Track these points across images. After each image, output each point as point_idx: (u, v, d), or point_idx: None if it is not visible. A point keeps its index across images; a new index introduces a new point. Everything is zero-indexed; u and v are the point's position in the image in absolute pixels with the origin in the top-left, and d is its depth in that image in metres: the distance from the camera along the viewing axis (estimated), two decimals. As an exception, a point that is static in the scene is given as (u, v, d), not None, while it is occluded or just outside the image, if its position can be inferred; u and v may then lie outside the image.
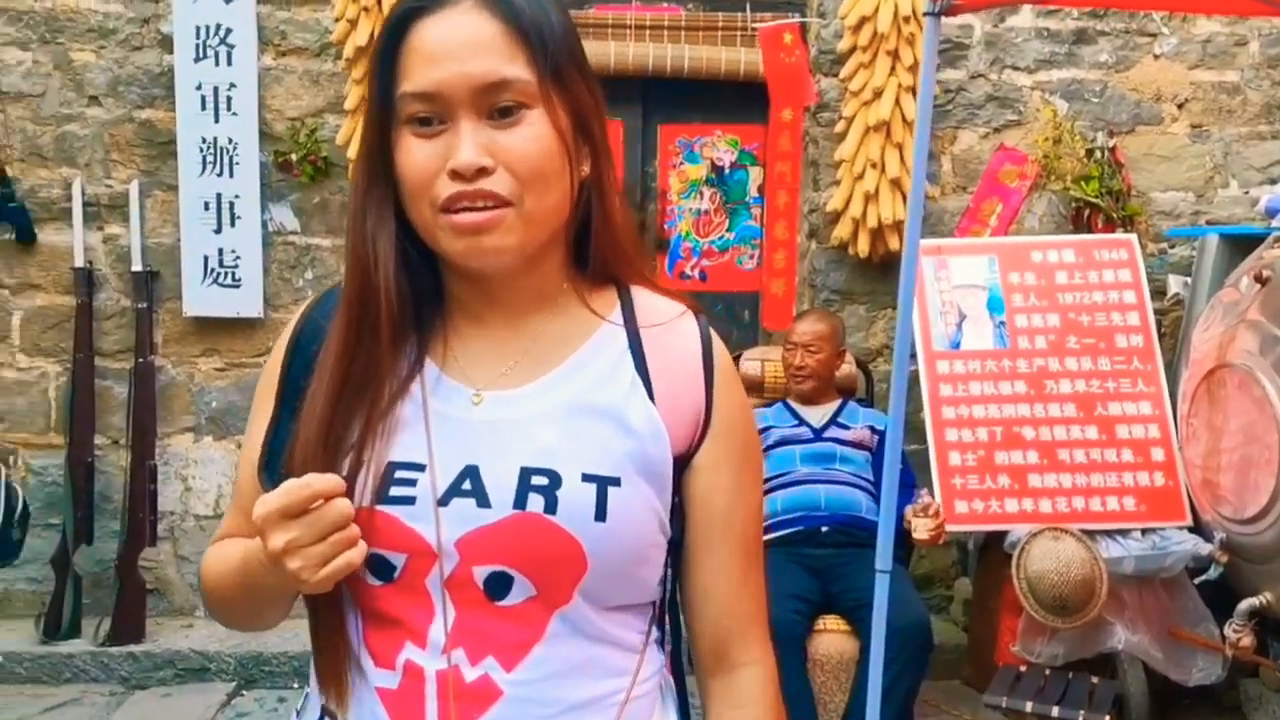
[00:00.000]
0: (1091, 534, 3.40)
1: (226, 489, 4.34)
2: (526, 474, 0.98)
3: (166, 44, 4.18)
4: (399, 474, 0.99)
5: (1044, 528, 3.39)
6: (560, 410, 1.01)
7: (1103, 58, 4.40)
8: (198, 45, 4.13)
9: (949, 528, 3.47)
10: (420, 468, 0.99)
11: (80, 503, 4.07)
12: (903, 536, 3.15)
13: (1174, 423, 3.57)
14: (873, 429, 3.58)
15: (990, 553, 3.72)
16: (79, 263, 4.19)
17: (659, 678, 1.07)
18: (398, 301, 1.00)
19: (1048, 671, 3.34)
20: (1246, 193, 4.44)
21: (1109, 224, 4.18)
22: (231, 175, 4.18)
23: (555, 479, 0.97)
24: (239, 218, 4.20)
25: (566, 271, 1.05)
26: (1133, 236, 3.92)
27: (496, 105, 0.95)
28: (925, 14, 2.55)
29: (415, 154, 0.96)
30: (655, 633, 1.07)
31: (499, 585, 0.98)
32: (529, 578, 0.97)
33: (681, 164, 4.59)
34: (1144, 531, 3.47)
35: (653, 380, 1.03)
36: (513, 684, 0.97)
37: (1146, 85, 4.42)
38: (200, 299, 4.23)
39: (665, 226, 4.59)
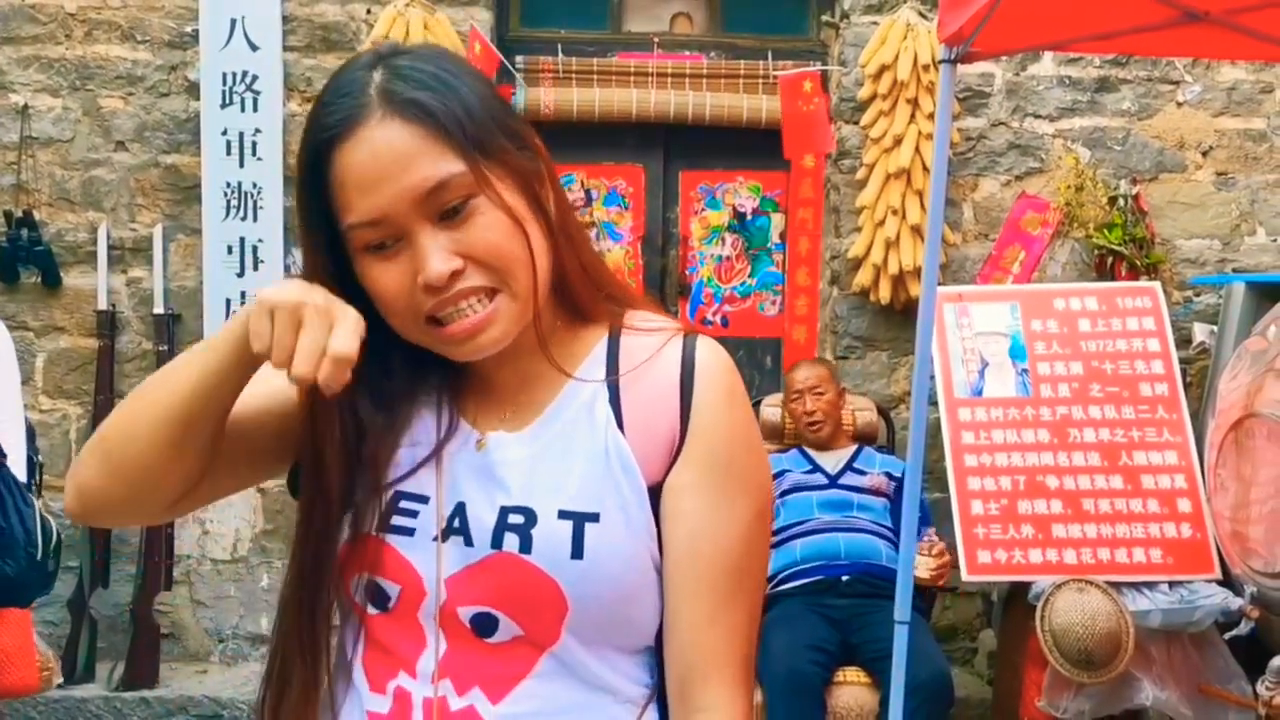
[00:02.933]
0: (1117, 586, 3.33)
1: (245, 532, 4.33)
2: (505, 513, 0.98)
3: (193, 91, 4.24)
4: (403, 504, 1.00)
5: (1068, 579, 3.32)
6: (544, 451, 1.00)
7: (1125, 105, 4.39)
8: (224, 92, 4.19)
9: (972, 578, 3.42)
10: (424, 499, 1.00)
11: (98, 546, 4.08)
12: (924, 587, 3.10)
13: (1201, 473, 3.51)
14: (889, 475, 3.55)
15: (1014, 604, 3.65)
16: (102, 305, 4.23)
17: None
18: (353, 428, 1.00)
19: (1074, 728, 3.26)
20: (1275, 240, 4.40)
21: (1132, 272, 4.15)
22: (255, 220, 4.22)
23: (531, 517, 0.97)
24: (262, 261, 4.23)
25: (554, 313, 1.04)
26: (1156, 284, 3.88)
27: (444, 207, 0.92)
28: (940, 61, 2.55)
29: (383, 279, 0.94)
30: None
31: (485, 625, 0.98)
32: (512, 619, 0.97)
33: (703, 210, 4.60)
34: (1171, 584, 3.40)
35: (624, 410, 1.00)
36: (498, 716, 0.96)
37: (1170, 133, 4.40)
38: (222, 342, 4.24)
39: (687, 272, 4.60)
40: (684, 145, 4.50)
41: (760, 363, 4.60)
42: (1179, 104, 4.41)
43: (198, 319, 4.26)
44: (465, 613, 0.97)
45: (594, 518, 0.96)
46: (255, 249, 4.23)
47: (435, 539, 0.98)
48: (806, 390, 3.63)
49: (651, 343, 1.03)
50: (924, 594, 3.38)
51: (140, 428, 0.95)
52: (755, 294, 4.63)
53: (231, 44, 4.19)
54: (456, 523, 0.99)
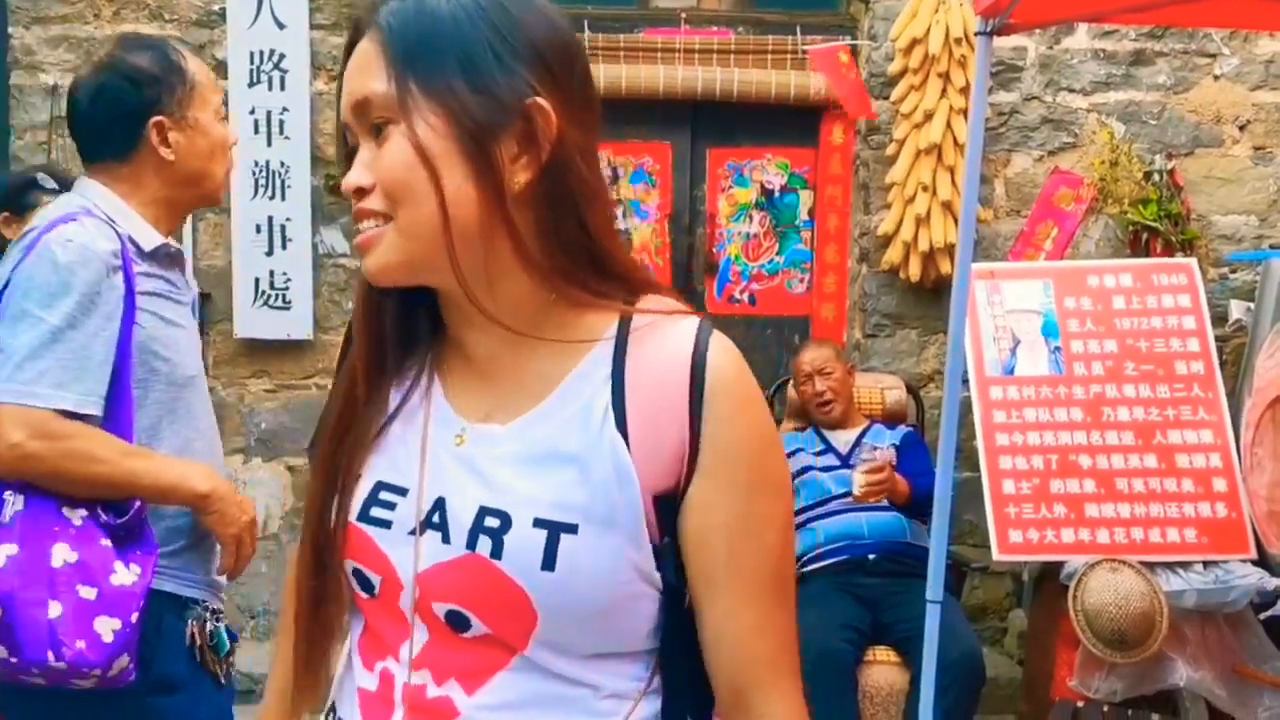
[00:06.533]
0: (1151, 566, 3.31)
1: (275, 509, 4.36)
2: (483, 513, 0.94)
3: (221, 69, 4.24)
4: (382, 494, 0.99)
5: (1102, 559, 3.30)
6: (529, 452, 0.96)
7: (1160, 79, 4.32)
8: (251, 71, 4.20)
9: (1003, 557, 3.40)
10: (403, 491, 0.99)
11: (131, 523, 4.11)
12: (953, 566, 3.08)
13: (1237, 452, 3.47)
14: (894, 445, 3.55)
15: (1046, 584, 3.63)
16: (133, 285, 4.25)
17: None
18: (374, 345, 1.02)
19: (1106, 708, 3.24)
20: (1313, 216, 4.33)
21: (1168, 248, 4.09)
22: (283, 198, 4.23)
23: (506, 521, 0.93)
24: (290, 240, 4.24)
25: (541, 298, 0.97)
26: (1192, 261, 3.83)
27: (371, 123, 0.95)
28: (977, 34, 2.51)
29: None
30: (658, 681, 1.00)
31: (458, 621, 0.96)
32: (481, 620, 0.95)
33: (731, 188, 4.57)
34: (1206, 564, 3.36)
35: (628, 415, 0.94)
36: (472, 707, 0.95)
37: (1206, 107, 4.33)
38: (251, 321, 4.27)
39: (714, 250, 4.57)
40: (712, 122, 4.46)
41: (788, 341, 4.58)
42: (1215, 77, 4.33)
43: (227, 298, 4.28)
44: (439, 608, 0.96)
45: (571, 529, 0.92)
46: (283, 228, 4.23)
47: (412, 533, 0.97)
48: (815, 372, 3.64)
49: (662, 340, 0.96)
50: (954, 573, 3.37)
51: None
52: (783, 272, 4.60)
53: (259, 22, 4.19)
54: (436, 517, 0.97)
